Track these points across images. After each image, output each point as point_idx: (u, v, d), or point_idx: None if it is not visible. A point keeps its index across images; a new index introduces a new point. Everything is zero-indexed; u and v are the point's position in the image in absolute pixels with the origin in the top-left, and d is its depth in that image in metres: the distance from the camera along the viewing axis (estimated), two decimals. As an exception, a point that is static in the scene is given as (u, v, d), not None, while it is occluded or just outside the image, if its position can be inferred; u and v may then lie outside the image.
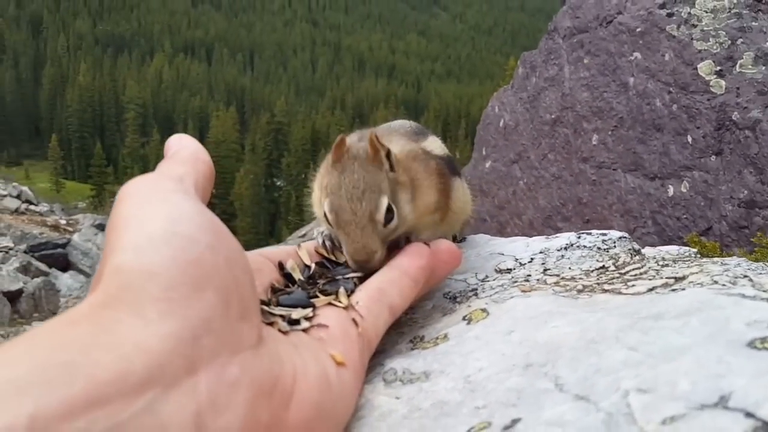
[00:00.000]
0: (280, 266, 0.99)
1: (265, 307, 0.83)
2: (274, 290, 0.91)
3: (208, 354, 0.63)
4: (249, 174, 68.96)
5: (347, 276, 0.99)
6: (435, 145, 1.29)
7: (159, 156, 0.89)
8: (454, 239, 1.37)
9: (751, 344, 0.62)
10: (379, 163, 1.02)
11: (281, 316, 0.82)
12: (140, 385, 0.56)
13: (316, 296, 0.90)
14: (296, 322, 0.81)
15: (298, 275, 0.97)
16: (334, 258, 1.07)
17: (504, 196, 5.72)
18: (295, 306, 0.85)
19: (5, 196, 15.76)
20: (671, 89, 3.89)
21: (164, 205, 0.71)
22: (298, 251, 1.06)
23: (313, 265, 1.02)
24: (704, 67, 3.65)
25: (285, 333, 0.79)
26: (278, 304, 0.86)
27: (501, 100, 5.52)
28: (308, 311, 0.84)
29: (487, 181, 5.94)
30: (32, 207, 16.23)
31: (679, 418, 0.54)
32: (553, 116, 5.06)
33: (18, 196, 16.16)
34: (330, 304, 0.88)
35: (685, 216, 3.84)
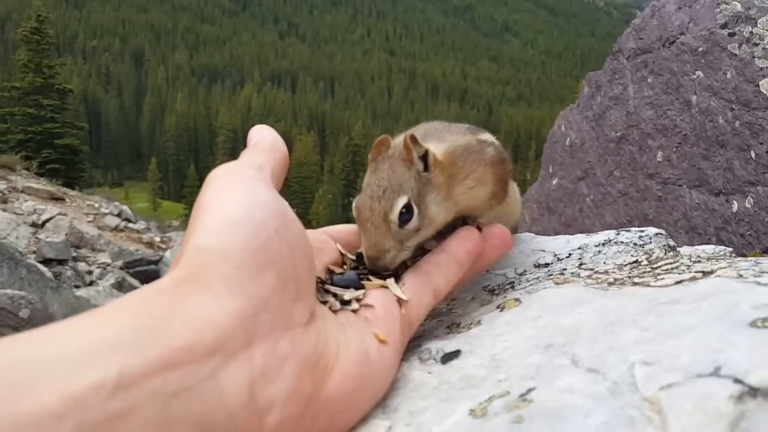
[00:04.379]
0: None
1: (321, 286, 0.89)
2: (330, 271, 0.96)
3: (264, 330, 0.68)
4: (327, 194, 71.34)
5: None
6: (492, 139, 1.28)
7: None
8: None
9: (753, 324, 0.65)
10: (410, 163, 1.01)
11: (334, 295, 0.88)
12: (207, 353, 0.62)
13: (368, 278, 0.95)
14: (347, 302, 0.87)
15: (351, 257, 1.02)
16: None
17: (571, 213, 5.82)
18: (347, 287, 0.90)
19: (107, 214, 16.27)
20: (733, 106, 3.96)
21: (243, 191, 0.77)
22: None
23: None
24: (766, 84, 3.71)
25: (335, 311, 0.85)
26: (333, 284, 0.91)
27: (567, 118, 5.68)
28: (359, 293, 0.90)
29: (554, 199, 6.06)
30: (130, 225, 16.60)
31: (675, 385, 0.58)
32: (618, 134, 5.17)
33: (118, 215, 16.66)
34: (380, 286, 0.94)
35: (749, 233, 3.86)
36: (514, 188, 1.33)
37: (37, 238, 12.62)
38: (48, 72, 24.57)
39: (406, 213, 0.99)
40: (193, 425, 0.58)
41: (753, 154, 3.80)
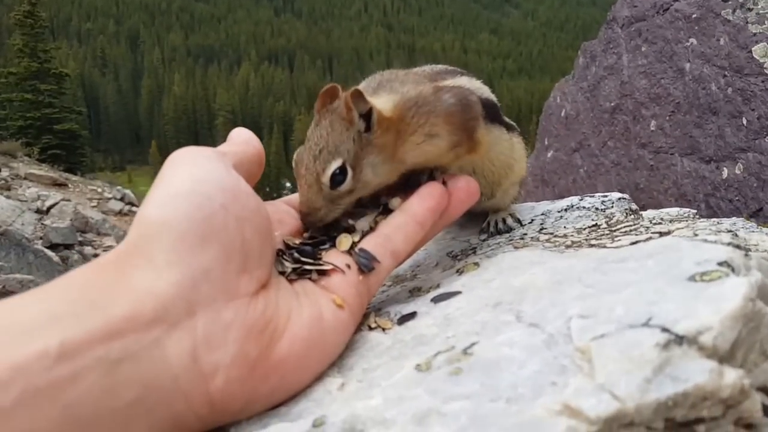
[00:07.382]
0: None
1: (280, 258, 0.91)
2: (287, 245, 0.96)
3: (205, 299, 0.71)
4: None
5: (362, 221, 1.02)
6: (470, 84, 1.21)
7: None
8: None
9: (692, 278, 0.67)
10: (350, 123, 0.99)
11: (294, 267, 0.90)
12: (149, 323, 0.66)
13: (325, 245, 0.97)
14: (308, 271, 0.90)
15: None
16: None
17: (564, 185, 5.82)
18: (306, 256, 0.93)
19: (110, 199, 16.40)
20: (726, 73, 3.94)
21: (194, 168, 0.79)
22: None
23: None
24: (759, 50, 3.69)
25: (292, 281, 0.87)
26: (293, 255, 0.92)
27: (562, 90, 5.65)
28: (318, 261, 0.92)
29: (548, 171, 6.05)
30: (134, 209, 16.61)
31: (607, 335, 0.61)
32: (612, 104, 5.15)
33: (122, 199, 16.84)
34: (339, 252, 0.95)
35: (737, 198, 3.87)
36: (509, 140, 1.29)
37: (42, 224, 12.81)
38: (44, 56, 24.46)
39: (339, 175, 0.99)
40: (139, 389, 0.63)
41: (744, 121, 3.78)
